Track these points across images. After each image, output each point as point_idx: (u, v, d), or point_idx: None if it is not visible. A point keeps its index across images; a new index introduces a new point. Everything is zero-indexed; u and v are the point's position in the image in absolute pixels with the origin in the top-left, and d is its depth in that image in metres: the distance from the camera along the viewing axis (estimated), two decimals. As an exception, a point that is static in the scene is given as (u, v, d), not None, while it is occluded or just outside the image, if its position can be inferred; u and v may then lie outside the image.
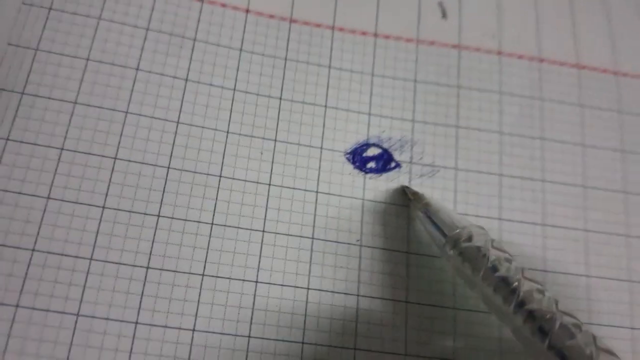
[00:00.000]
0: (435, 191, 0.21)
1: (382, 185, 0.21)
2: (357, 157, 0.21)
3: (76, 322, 0.17)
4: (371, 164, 0.21)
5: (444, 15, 0.24)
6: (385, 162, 0.21)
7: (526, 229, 0.21)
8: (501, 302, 0.16)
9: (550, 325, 0.15)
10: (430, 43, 0.23)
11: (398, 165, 0.21)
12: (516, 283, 0.16)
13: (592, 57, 0.24)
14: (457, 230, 0.18)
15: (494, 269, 0.17)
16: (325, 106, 0.21)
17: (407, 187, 0.20)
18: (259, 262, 0.19)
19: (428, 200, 0.19)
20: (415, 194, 0.20)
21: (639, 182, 0.22)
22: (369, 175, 0.21)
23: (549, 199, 0.21)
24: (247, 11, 0.22)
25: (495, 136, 0.22)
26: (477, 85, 0.23)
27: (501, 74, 0.23)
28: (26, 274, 0.17)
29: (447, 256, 0.18)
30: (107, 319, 0.17)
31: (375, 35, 0.23)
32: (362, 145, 0.21)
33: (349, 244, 0.20)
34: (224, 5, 0.22)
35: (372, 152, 0.21)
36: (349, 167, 0.21)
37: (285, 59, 0.22)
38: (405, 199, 0.20)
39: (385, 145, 0.21)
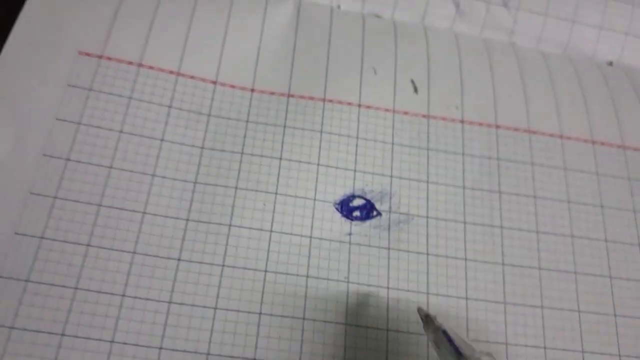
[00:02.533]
0: (411, 235, 0.25)
1: (365, 230, 0.25)
2: (345, 207, 0.25)
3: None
4: (356, 213, 0.25)
5: (416, 90, 0.28)
6: (368, 211, 0.25)
7: (488, 268, 0.25)
8: None
9: None
10: (405, 113, 0.28)
11: (379, 213, 0.25)
12: None
13: (540, 123, 0.29)
14: (476, 356, 0.18)
15: None
16: (318, 164, 0.26)
17: (420, 308, 0.22)
18: (262, 297, 0.22)
19: (438, 324, 0.20)
20: (427, 316, 0.21)
21: (584, 227, 0.26)
22: (354, 222, 0.25)
23: (507, 243, 0.25)
24: (252, 90, 0.27)
25: (459, 190, 0.26)
26: (444, 147, 0.27)
27: (464, 139, 0.27)
28: None
29: None
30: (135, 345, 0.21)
31: (359, 105, 0.27)
32: (349, 197, 0.25)
33: (337, 280, 0.23)
34: (232, 87, 0.27)
35: (357, 202, 0.25)
36: (338, 215, 0.25)
37: (284, 126, 0.26)
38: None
39: (368, 197, 0.25)
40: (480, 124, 0.28)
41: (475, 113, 0.28)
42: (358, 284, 0.23)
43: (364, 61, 0.28)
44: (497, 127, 0.28)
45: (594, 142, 0.29)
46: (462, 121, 0.28)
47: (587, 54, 0.32)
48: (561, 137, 0.28)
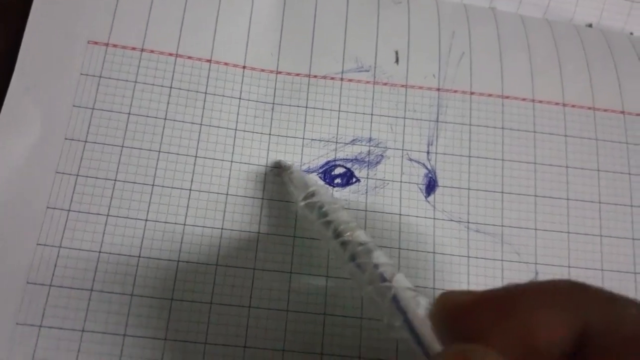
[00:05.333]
0: (385, 199, 0.28)
1: (345, 195, 0.28)
2: (327, 175, 0.28)
3: None
4: (337, 180, 0.28)
5: (397, 61, 0.31)
6: (348, 178, 0.28)
7: (454, 226, 0.28)
8: (325, 231, 0.23)
9: (354, 247, 0.22)
10: (384, 84, 0.30)
11: (358, 180, 0.28)
12: (335, 220, 0.23)
13: (514, 89, 0.31)
14: (309, 190, 0.25)
15: (324, 214, 0.24)
16: (303, 138, 0.29)
17: (280, 160, 0.28)
18: (255, 255, 0.27)
19: (292, 168, 0.27)
20: (284, 163, 0.27)
21: (547, 187, 0.29)
22: (335, 188, 0.28)
23: (472, 203, 0.28)
24: (244, 67, 0.30)
25: (432, 156, 0.29)
26: (420, 116, 0.30)
27: (439, 106, 0.30)
28: None
29: (299, 206, 0.25)
30: None
31: (342, 79, 0.30)
32: (331, 166, 0.28)
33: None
34: (226, 64, 0.29)
35: (338, 170, 0.28)
36: (321, 182, 0.28)
37: (273, 103, 0.29)
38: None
39: (349, 165, 0.29)
40: (455, 92, 0.30)
41: (451, 81, 0.30)
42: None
43: (347, 35, 0.31)
44: (472, 93, 0.30)
45: (564, 105, 0.31)
46: (438, 89, 0.30)
47: (566, 16, 0.33)
48: (533, 101, 0.30)
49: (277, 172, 0.28)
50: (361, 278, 0.21)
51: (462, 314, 0.17)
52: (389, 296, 0.19)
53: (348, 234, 0.22)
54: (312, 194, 0.25)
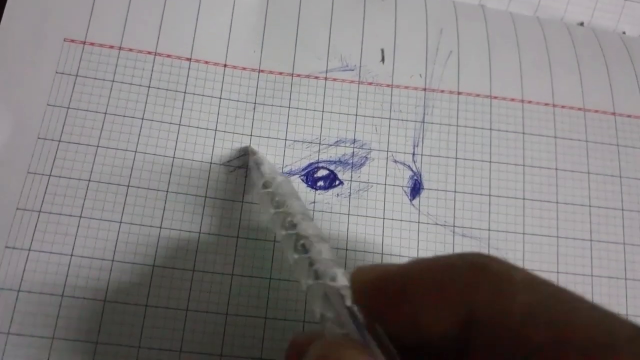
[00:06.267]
0: (369, 202, 0.27)
1: (328, 198, 0.27)
2: (310, 178, 0.27)
3: None
4: (320, 183, 0.27)
5: (383, 60, 0.30)
6: (331, 180, 0.28)
7: (439, 230, 0.27)
8: (277, 220, 0.23)
9: (299, 238, 0.21)
10: (369, 83, 0.29)
11: (341, 182, 0.28)
12: (283, 209, 0.23)
13: (503, 89, 0.30)
14: (267, 179, 0.25)
15: (278, 204, 0.23)
16: (286, 139, 0.28)
17: (249, 146, 0.27)
18: (234, 260, 0.26)
19: (258, 156, 0.26)
20: (252, 150, 0.27)
21: (537, 189, 0.28)
22: (318, 191, 0.27)
23: (459, 206, 0.28)
24: (225, 66, 0.29)
25: (418, 157, 0.28)
26: (405, 116, 0.29)
27: (425, 107, 0.29)
28: None
29: (258, 194, 0.25)
30: None
31: (326, 79, 0.29)
32: (314, 168, 0.28)
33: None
34: (207, 63, 0.29)
35: (322, 173, 0.28)
36: (303, 185, 0.27)
37: (255, 103, 0.28)
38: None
39: (332, 167, 0.28)
40: (442, 91, 0.29)
41: (438, 80, 0.30)
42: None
43: (332, 33, 0.30)
44: (459, 93, 0.29)
45: (554, 106, 0.30)
46: (424, 89, 0.29)
47: (558, 14, 0.32)
48: (522, 101, 0.30)
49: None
50: (300, 270, 0.20)
51: (363, 294, 0.16)
52: (320, 291, 0.18)
53: (296, 225, 0.22)
54: (270, 183, 0.24)
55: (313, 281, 0.19)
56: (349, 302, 0.17)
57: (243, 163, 0.27)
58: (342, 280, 0.18)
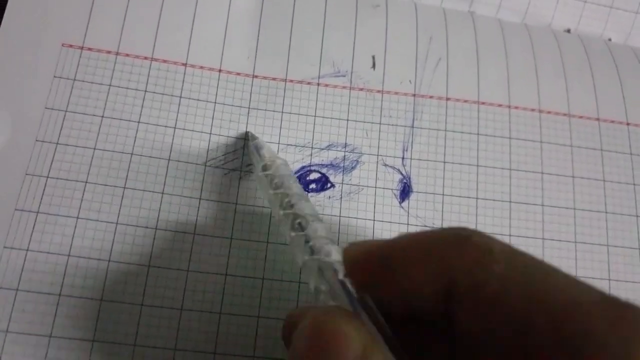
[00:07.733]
0: (360, 204, 0.28)
1: (320, 201, 0.28)
2: (302, 180, 0.28)
3: None
4: (312, 185, 0.28)
5: (374, 66, 0.31)
6: (323, 183, 0.28)
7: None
8: (275, 201, 0.24)
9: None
10: (360, 89, 0.30)
11: (333, 185, 0.28)
12: (282, 190, 0.24)
13: (490, 95, 0.31)
14: (266, 162, 0.25)
15: (277, 186, 0.24)
16: (279, 143, 0.29)
17: (249, 131, 0.28)
18: (227, 261, 0.26)
19: (258, 141, 0.27)
20: (252, 135, 0.28)
21: (523, 193, 0.29)
22: (310, 194, 0.28)
23: (447, 209, 0.28)
24: (220, 71, 0.29)
25: (407, 161, 0.29)
26: (395, 121, 0.30)
27: (414, 112, 0.30)
28: None
29: (258, 177, 0.26)
30: None
31: (318, 84, 0.30)
32: (306, 171, 0.28)
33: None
34: (202, 68, 0.29)
35: (314, 176, 0.28)
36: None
37: (249, 107, 0.29)
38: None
39: (324, 170, 0.28)
40: (431, 97, 0.30)
41: (427, 87, 0.30)
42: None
43: (324, 39, 0.31)
44: (448, 99, 0.30)
45: (540, 111, 0.31)
46: (414, 95, 0.30)
47: (545, 21, 0.33)
48: (509, 107, 0.31)
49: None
50: (297, 247, 0.21)
51: (354, 268, 0.17)
52: (315, 266, 0.19)
53: (294, 205, 0.23)
54: (270, 166, 0.25)
55: (308, 257, 0.20)
56: (341, 276, 0.18)
57: (236, 166, 0.28)
58: (336, 256, 0.19)
